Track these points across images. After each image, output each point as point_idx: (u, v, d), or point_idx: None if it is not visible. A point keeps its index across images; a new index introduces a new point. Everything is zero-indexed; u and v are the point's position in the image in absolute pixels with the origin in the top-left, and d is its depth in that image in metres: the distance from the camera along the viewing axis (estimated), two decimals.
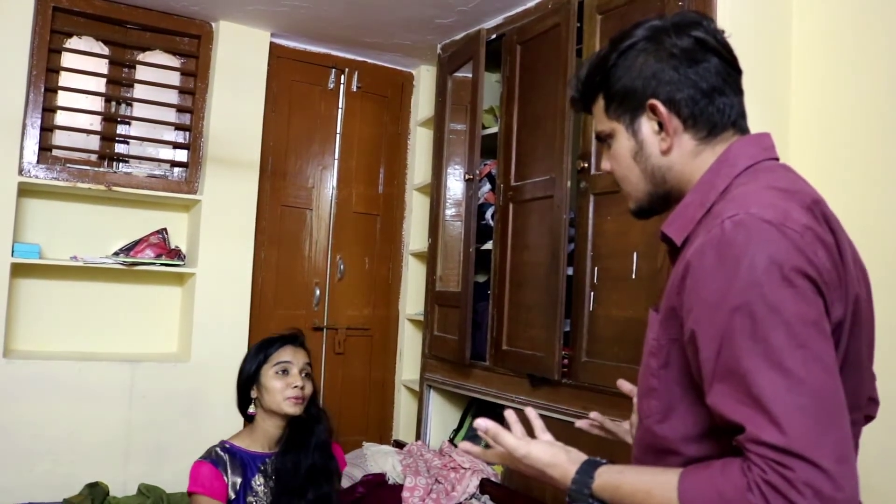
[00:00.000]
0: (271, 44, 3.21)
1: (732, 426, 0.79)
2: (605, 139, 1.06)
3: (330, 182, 3.47)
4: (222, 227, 3.04)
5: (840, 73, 2.07)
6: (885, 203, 1.91)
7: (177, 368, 2.94)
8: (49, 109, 2.83)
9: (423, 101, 3.60)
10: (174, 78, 3.11)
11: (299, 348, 2.01)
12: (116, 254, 2.93)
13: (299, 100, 3.39)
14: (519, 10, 2.75)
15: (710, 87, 0.96)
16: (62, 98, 2.89)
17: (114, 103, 3.02)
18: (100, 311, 3.00)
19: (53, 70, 2.85)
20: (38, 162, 2.77)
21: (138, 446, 2.84)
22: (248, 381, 1.97)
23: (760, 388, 0.77)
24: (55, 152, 2.87)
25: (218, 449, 1.90)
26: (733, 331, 0.80)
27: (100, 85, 2.98)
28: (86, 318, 2.97)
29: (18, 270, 2.78)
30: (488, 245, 2.82)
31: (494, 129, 2.86)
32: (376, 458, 2.78)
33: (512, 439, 1.02)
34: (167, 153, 3.11)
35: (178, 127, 3.11)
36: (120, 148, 3.04)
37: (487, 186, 3.00)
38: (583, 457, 0.97)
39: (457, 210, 3.06)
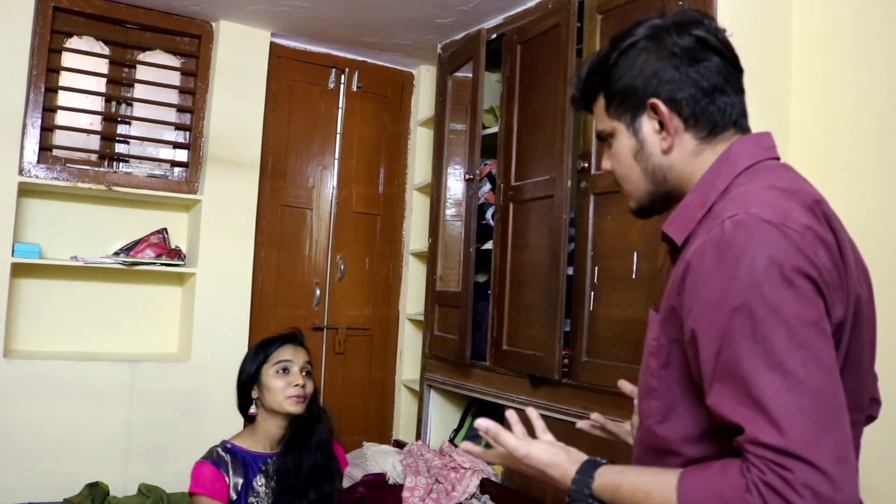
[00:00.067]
0: (271, 44, 3.21)
1: (732, 427, 0.79)
2: (605, 138, 1.06)
3: (330, 182, 3.47)
4: (222, 227, 3.04)
5: (840, 73, 2.07)
6: (885, 203, 1.91)
7: (177, 368, 2.94)
8: (49, 109, 2.83)
9: (423, 101, 3.60)
10: (174, 78, 3.11)
11: (299, 347, 2.01)
12: (116, 254, 2.93)
13: (299, 100, 3.39)
14: (519, 9, 2.75)
15: (711, 86, 0.96)
16: (62, 98, 2.89)
17: (114, 103, 3.02)
18: (100, 311, 3.00)
19: (53, 70, 2.85)
20: (38, 162, 2.77)
21: (138, 446, 2.84)
22: (248, 382, 1.97)
23: (760, 389, 0.77)
24: (55, 152, 2.87)
25: (219, 449, 1.90)
26: (733, 331, 0.80)
27: (100, 85, 2.98)
28: (86, 318, 2.97)
29: (18, 270, 2.78)
30: (488, 245, 2.82)
31: (494, 129, 2.86)
32: (376, 458, 2.78)
33: (512, 439, 1.01)
34: (167, 153, 3.11)
35: (179, 127, 3.11)
36: (120, 148, 3.04)
37: (487, 186, 3.00)
38: (583, 457, 0.97)
39: (457, 210, 3.06)
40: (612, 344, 2.17)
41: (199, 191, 3.04)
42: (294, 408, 1.91)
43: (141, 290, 3.08)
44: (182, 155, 3.11)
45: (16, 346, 2.81)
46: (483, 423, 1.03)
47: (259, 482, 1.88)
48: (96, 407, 2.76)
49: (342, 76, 3.49)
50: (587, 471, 0.94)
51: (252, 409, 1.99)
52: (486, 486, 2.54)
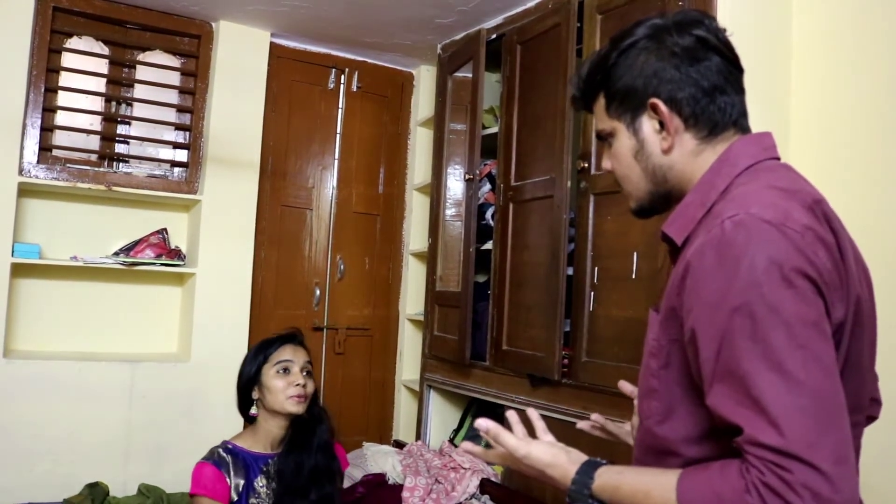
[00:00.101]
0: (271, 44, 3.21)
1: (732, 427, 0.79)
2: (605, 138, 1.06)
3: (330, 182, 3.47)
4: (222, 227, 3.04)
5: (840, 73, 2.07)
6: (885, 203, 1.91)
7: (177, 368, 2.94)
8: (49, 109, 2.83)
9: (423, 101, 3.59)
10: (174, 78, 3.11)
11: (299, 347, 2.01)
12: (116, 254, 2.93)
13: (299, 100, 3.39)
14: (519, 10, 2.75)
15: (711, 86, 0.96)
16: (62, 98, 2.89)
17: (114, 103, 3.02)
18: (100, 311, 2.99)
19: (53, 70, 2.85)
20: (38, 162, 2.77)
21: (138, 446, 2.83)
22: (249, 383, 1.96)
23: (760, 390, 0.76)
24: (55, 152, 2.87)
25: (220, 450, 1.89)
26: (733, 331, 0.79)
27: (100, 85, 2.98)
28: (86, 318, 2.97)
29: (18, 270, 2.78)
30: (488, 245, 2.82)
31: (494, 129, 2.86)
32: (376, 458, 2.78)
33: (512, 439, 1.01)
34: (167, 153, 3.11)
35: (178, 127, 3.11)
36: (120, 148, 3.04)
37: (487, 186, 2.99)
38: (583, 457, 0.97)
39: (457, 210, 3.06)
40: (612, 344, 2.16)
41: (199, 191, 3.04)
42: (295, 408, 1.91)
43: (141, 291, 3.08)
44: (182, 155, 3.11)
45: (16, 346, 2.81)
46: (483, 424, 1.03)
47: (260, 483, 1.88)
48: (96, 407, 2.76)
49: (342, 76, 3.49)
50: (587, 471, 0.94)
51: (253, 410, 1.99)
52: (485, 486, 2.54)
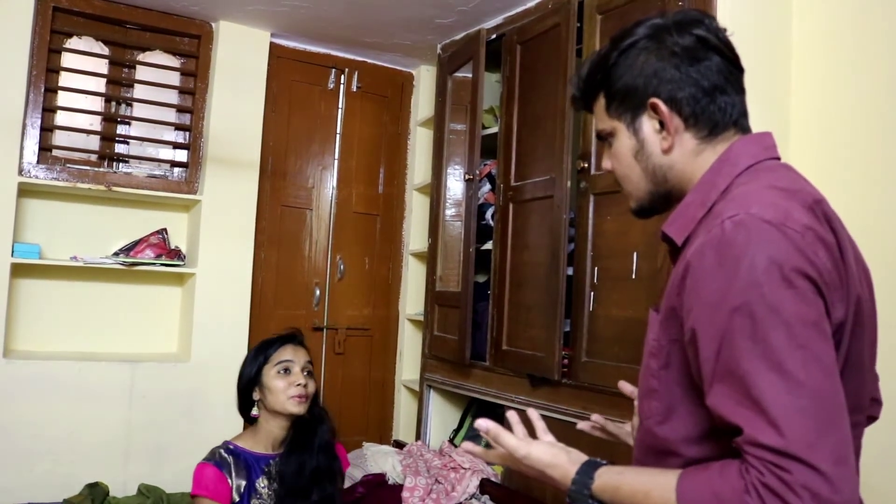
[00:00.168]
0: (271, 44, 3.21)
1: (732, 427, 0.79)
2: (605, 138, 1.06)
3: (330, 182, 3.47)
4: (222, 227, 3.04)
5: (840, 73, 2.07)
6: (885, 203, 1.91)
7: (177, 368, 2.94)
8: (49, 109, 2.83)
9: (423, 101, 3.59)
10: (174, 78, 3.11)
11: (299, 347, 2.01)
12: (116, 254, 2.93)
13: (299, 100, 3.39)
14: (519, 10, 2.75)
15: (711, 86, 0.95)
16: (62, 98, 2.89)
17: (114, 103, 3.02)
18: (100, 311, 2.99)
19: (53, 70, 2.85)
20: (38, 162, 2.77)
21: (138, 446, 2.83)
22: (249, 384, 1.96)
23: (759, 390, 0.76)
24: (55, 152, 2.87)
25: (222, 451, 1.89)
26: (733, 331, 0.79)
27: (100, 85, 2.98)
28: (86, 318, 2.97)
29: (18, 270, 2.78)
30: (488, 245, 2.82)
31: (494, 129, 2.86)
32: (376, 459, 2.78)
33: (513, 440, 1.01)
34: (167, 153, 3.11)
35: (178, 127, 3.11)
36: (120, 148, 3.04)
37: (487, 186, 2.99)
38: (583, 458, 0.97)
39: (457, 210, 3.06)
40: (612, 344, 2.16)
41: (199, 191, 3.04)
42: (296, 408, 1.91)
43: (141, 291, 3.07)
44: (182, 155, 3.11)
45: (16, 346, 2.81)
46: (483, 424, 1.03)
47: (262, 483, 1.88)
48: (96, 407, 2.76)
49: (342, 76, 3.49)
50: (587, 471, 0.94)
51: (254, 411, 1.99)
52: (485, 486, 2.54)
